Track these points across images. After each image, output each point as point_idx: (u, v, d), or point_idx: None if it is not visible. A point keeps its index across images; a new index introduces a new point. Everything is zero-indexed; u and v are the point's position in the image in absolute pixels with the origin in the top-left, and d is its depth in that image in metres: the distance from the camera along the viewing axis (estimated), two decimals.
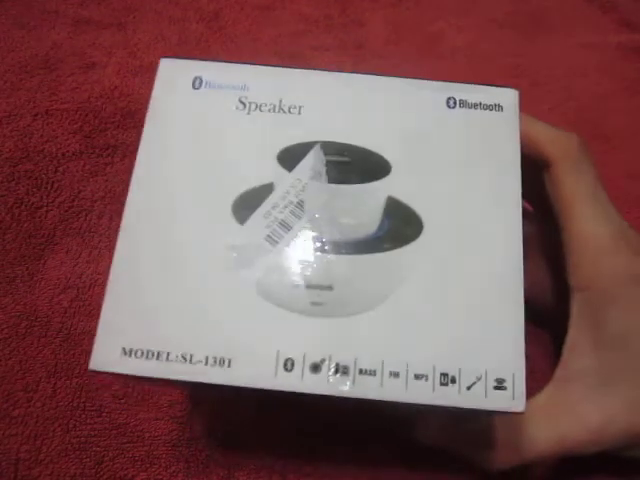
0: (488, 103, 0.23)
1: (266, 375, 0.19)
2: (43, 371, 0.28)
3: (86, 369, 0.29)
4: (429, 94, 0.23)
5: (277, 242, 0.21)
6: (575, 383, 0.23)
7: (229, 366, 0.19)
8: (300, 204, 0.21)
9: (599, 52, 0.38)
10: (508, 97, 0.23)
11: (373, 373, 0.19)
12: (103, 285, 0.31)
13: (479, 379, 0.19)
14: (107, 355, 0.20)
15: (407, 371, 0.19)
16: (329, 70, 0.23)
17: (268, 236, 0.21)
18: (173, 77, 0.23)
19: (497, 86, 0.23)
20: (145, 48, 0.38)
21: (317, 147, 0.22)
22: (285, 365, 0.19)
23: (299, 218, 0.21)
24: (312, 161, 0.22)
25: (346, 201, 0.22)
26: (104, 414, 0.28)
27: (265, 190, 0.22)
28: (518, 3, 0.40)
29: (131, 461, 0.27)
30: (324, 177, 0.22)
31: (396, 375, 0.19)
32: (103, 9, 0.39)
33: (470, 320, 0.20)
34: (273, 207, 0.21)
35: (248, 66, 0.24)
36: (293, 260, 0.21)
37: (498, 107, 0.23)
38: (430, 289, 0.20)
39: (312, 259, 0.21)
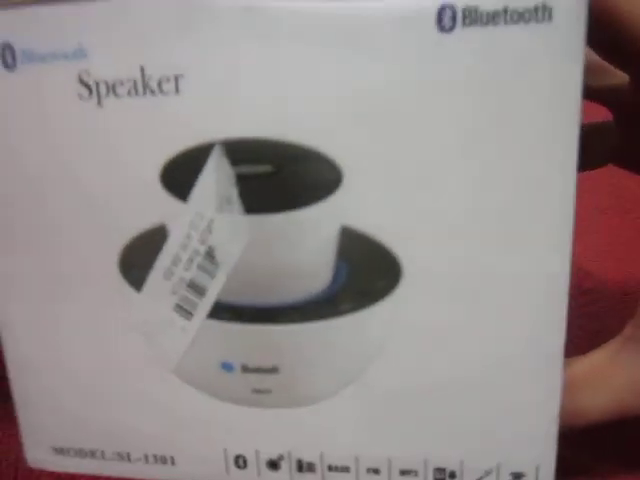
0: (521, 7, 0.11)
1: (216, 472, 0.16)
2: None
3: None
4: (400, 10, 0.12)
5: (191, 313, 0.14)
6: None
7: (173, 464, 0.16)
8: (210, 254, 0.14)
9: None
10: None
11: (346, 469, 0.15)
12: None
13: (488, 474, 0.14)
14: (40, 454, 0.17)
15: (390, 467, 0.15)
16: None
17: (178, 305, 0.15)
18: None
19: None
20: None
21: (216, 153, 0.13)
22: (237, 462, 0.15)
23: (212, 276, 0.14)
24: (214, 180, 0.13)
25: (277, 240, 0.14)
26: None
27: (157, 235, 0.14)
28: None
29: None
30: (236, 205, 0.14)
31: (376, 472, 0.15)
32: None
33: (473, 394, 0.14)
34: (174, 262, 0.14)
35: (80, 4, 0.13)
36: (218, 336, 0.15)
37: (542, 12, 0.11)
38: (415, 360, 0.14)
39: (244, 333, 0.14)
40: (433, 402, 0.14)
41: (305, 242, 0.14)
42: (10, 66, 0.14)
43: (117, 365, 0.15)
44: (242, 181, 0.13)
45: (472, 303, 0.13)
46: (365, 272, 0.13)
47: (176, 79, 0.13)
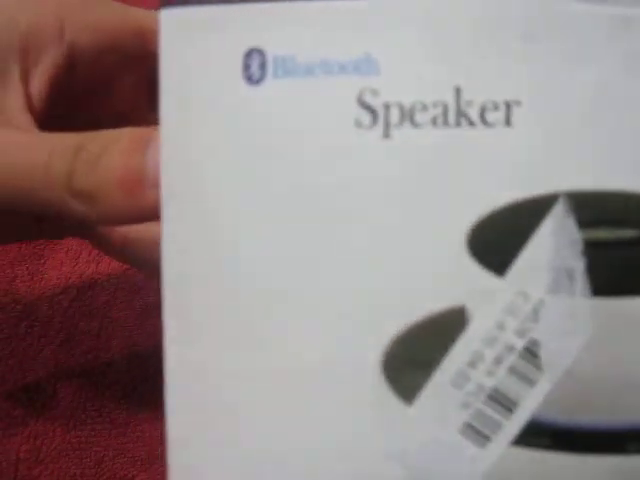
0: None
1: None
2: (43, 371, 0.29)
3: (86, 369, 0.30)
4: None
5: (488, 437, 0.10)
6: None
7: None
8: (531, 351, 0.10)
9: None
10: None
11: None
12: (103, 285, 0.32)
13: None
14: None
15: None
16: None
17: (469, 425, 0.10)
18: (197, 59, 0.10)
19: None
20: None
21: (559, 209, 0.09)
22: None
23: (531, 383, 0.10)
24: (550, 246, 0.10)
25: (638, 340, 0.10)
26: (104, 414, 0.29)
27: (447, 323, 0.10)
28: None
29: (131, 461, 0.27)
30: (581, 283, 0.10)
31: None
32: None
33: None
34: (471, 362, 0.10)
35: (364, 3, 0.10)
36: (528, 469, 0.10)
37: None
38: None
39: (572, 467, 0.10)
40: None
41: None
42: (255, 79, 0.10)
43: None
44: (593, 250, 0.09)
45: None
46: None
47: (508, 107, 0.09)
